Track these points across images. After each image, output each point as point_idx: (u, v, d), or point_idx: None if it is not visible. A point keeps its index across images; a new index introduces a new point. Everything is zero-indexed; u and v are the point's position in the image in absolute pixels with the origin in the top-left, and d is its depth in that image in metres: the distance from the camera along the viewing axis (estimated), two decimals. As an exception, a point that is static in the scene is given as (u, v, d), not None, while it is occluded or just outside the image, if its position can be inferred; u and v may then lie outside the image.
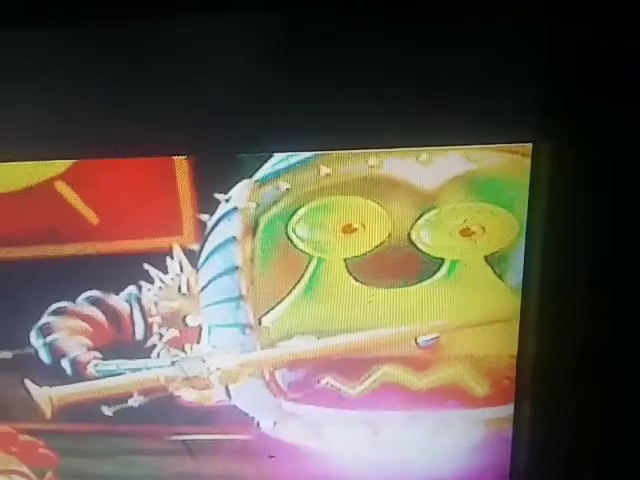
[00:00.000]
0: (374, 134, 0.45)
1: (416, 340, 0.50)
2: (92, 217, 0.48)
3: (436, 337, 0.50)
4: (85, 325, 0.51)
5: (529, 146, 0.45)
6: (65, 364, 0.52)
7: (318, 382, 0.52)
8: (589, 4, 0.41)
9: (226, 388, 0.52)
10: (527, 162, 0.45)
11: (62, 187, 0.48)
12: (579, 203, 0.45)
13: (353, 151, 0.45)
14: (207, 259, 0.49)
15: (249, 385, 0.52)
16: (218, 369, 0.51)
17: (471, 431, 0.53)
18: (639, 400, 0.48)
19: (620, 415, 0.49)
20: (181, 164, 0.46)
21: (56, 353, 0.52)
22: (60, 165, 0.47)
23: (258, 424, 0.54)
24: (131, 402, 0.53)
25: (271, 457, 0.55)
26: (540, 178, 0.46)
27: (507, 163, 0.45)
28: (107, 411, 0.53)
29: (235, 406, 0.53)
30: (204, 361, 0.51)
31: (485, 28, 0.42)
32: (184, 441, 0.54)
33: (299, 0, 0.42)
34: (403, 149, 0.45)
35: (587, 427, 0.50)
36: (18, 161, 0.47)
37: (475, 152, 0.45)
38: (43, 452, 0.55)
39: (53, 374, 0.53)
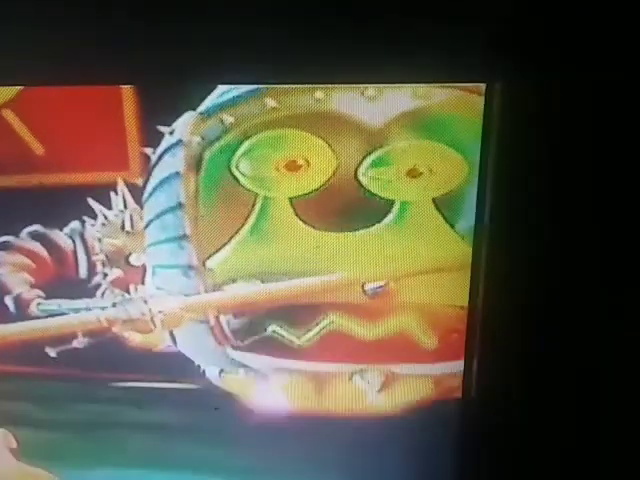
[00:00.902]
0: (322, 69, 0.44)
1: (363, 287, 0.49)
2: (37, 147, 0.48)
3: (384, 285, 0.49)
4: (28, 261, 0.50)
5: (482, 85, 0.44)
6: (8, 301, 0.51)
7: (264, 330, 0.50)
8: None
9: (171, 333, 0.51)
10: (479, 101, 0.44)
11: (9, 114, 0.47)
12: (531, 142, 0.44)
13: (298, 85, 0.45)
14: (151, 195, 0.48)
15: (194, 330, 0.51)
16: (160, 312, 0.50)
17: (420, 387, 0.52)
18: (588, 352, 0.47)
19: (569, 370, 0.48)
20: (127, 94, 0.46)
21: (0, 290, 0.52)
22: (7, 92, 0.46)
23: (204, 373, 0.53)
24: (75, 343, 0.52)
25: (216, 409, 0.53)
26: (492, 119, 0.44)
27: (457, 101, 0.44)
28: (51, 352, 0.53)
29: (181, 353, 0.52)
30: (146, 302, 0.50)
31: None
32: (129, 388, 0.54)
33: None
34: (353, 85, 0.45)
35: (535, 384, 0.49)
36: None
37: (424, 89, 0.44)
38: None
39: (-3, 313, 0.53)
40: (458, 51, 0.43)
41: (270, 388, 0.52)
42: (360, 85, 0.44)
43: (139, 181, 0.48)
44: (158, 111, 0.46)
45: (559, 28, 0.42)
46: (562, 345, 0.47)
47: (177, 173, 0.47)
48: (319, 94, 0.44)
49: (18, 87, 0.45)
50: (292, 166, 0.46)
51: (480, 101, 0.44)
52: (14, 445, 0.57)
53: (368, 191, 0.46)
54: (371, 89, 0.44)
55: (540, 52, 0.43)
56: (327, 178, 0.46)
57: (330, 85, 0.44)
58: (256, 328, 0.51)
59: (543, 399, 0.49)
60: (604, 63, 0.43)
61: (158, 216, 0.48)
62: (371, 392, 0.52)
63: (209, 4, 0.43)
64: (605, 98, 0.44)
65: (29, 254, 0.50)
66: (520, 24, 0.42)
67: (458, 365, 0.50)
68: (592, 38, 0.42)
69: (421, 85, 0.44)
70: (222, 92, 0.45)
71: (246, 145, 0.46)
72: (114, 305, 0.50)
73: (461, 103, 0.44)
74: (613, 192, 0.45)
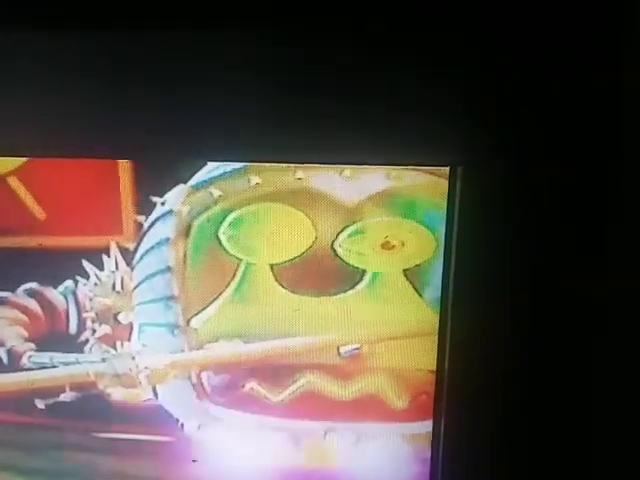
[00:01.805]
0: (300, 150, 0.48)
1: (338, 350, 0.52)
2: (40, 213, 0.51)
3: (358, 348, 0.52)
4: (23, 316, 0.53)
5: (446, 169, 0.48)
6: (2, 353, 0.54)
7: (243, 387, 0.53)
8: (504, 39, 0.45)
9: (153, 388, 0.54)
10: (444, 183, 0.48)
11: (14, 182, 0.51)
12: (491, 225, 0.48)
13: (280, 164, 0.49)
14: (142, 258, 0.51)
15: (176, 386, 0.53)
16: (146, 368, 0.53)
17: (391, 446, 0.54)
18: (552, 418, 0.50)
19: (534, 431, 0.51)
20: (124, 168, 0.50)
21: (-6, 343, 0.55)
22: (13, 162, 0.50)
23: (182, 426, 0.55)
24: (63, 397, 0.54)
25: (194, 461, 0.55)
26: (455, 199, 0.49)
27: (425, 184, 0.48)
28: (40, 404, 0.55)
29: (161, 407, 0.54)
30: (133, 359, 0.53)
31: (406, 57, 0.46)
32: (111, 439, 0.56)
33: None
34: (326, 165, 0.49)
35: (503, 445, 0.51)
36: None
37: (396, 171, 0.48)
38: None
39: (-10, 364, 0.55)
40: (424, 138, 0.47)
41: (247, 443, 0.55)
42: (334, 166, 0.49)
43: (131, 245, 0.51)
44: (152, 183, 0.50)
45: (519, 114, 0.47)
46: (525, 407, 0.50)
47: (167, 239, 0.50)
48: (300, 173, 0.48)
49: (23, 158, 0.50)
50: (274, 236, 0.50)
51: (445, 183, 0.48)
52: (-3, 491, 0.59)
53: (343, 261, 0.50)
54: (347, 170, 0.48)
55: (500, 138, 0.47)
56: (306, 248, 0.50)
57: (306, 165, 0.49)
58: (235, 385, 0.53)
59: (508, 458, 0.52)
60: (563, 148, 0.47)
61: (148, 278, 0.52)
62: (344, 450, 0.54)
63: (209, 97, 0.47)
64: (565, 180, 0.48)
65: (24, 310, 0.53)
66: (482, 112, 0.47)
67: (427, 425, 0.53)
68: (551, 123, 0.47)
69: (390, 167, 0.48)
70: (211, 168, 0.49)
71: (232, 216, 0.49)
72: (103, 360, 0.53)
73: (428, 185, 0.48)
74: (581, 263, 0.49)
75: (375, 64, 0.46)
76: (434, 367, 0.52)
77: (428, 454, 0.53)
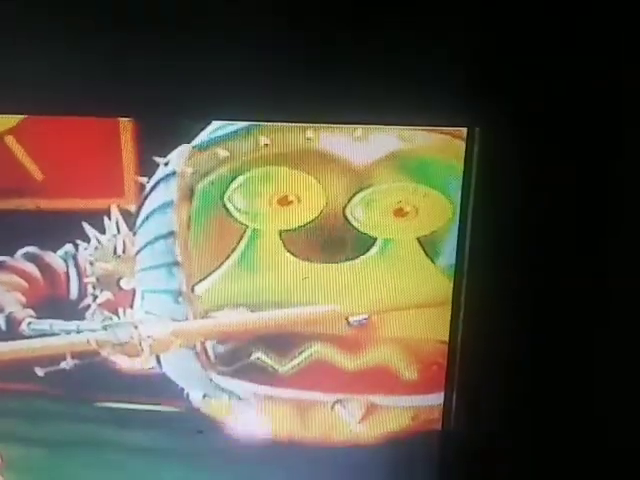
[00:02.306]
0: (310, 108, 0.46)
1: (347, 319, 0.50)
2: (37, 173, 0.49)
3: (367, 317, 0.50)
4: (21, 281, 0.51)
5: (463, 130, 0.46)
6: (0, 320, 0.53)
7: (248, 356, 0.52)
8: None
9: (157, 357, 0.52)
10: (461, 145, 0.46)
11: (11, 141, 0.49)
12: (509, 186, 0.46)
13: (289, 124, 0.46)
14: (144, 222, 0.49)
15: (180, 355, 0.52)
16: (149, 337, 0.52)
17: (400, 418, 0.53)
18: (563, 391, 0.48)
19: (544, 406, 0.49)
20: (125, 127, 0.47)
21: (-8, 309, 0.53)
22: (9, 120, 0.48)
23: (187, 396, 0.53)
24: (63, 364, 0.53)
25: (200, 432, 0.54)
26: (472, 162, 0.46)
27: (441, 145, 0.46)
28: (39, 372, 0.53)
29: (165, 375, 0.53)
30: (136, 327, 0.51)
31: (420, 18, 0.44)
32: (114, 409, 0.54)
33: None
34: (339, 125, 0.46)
35: (514, 420, 0.50)
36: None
37: (409, 132, 0.46)
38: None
39: (-12, 330, 0.54)
40: (441, 96, 0.45)
41: (253, 414, 0.53)
42: (347, 125, 0.46)
43: (133, 208, 0.49)
44: (154, 143, 0.47)
45: (539, 76, 0.44)
46: (540, 379, 0.49)
47: (170, 202, 0.48)
48: (309, 133, 0.46)
49: (20, 116, 0.47)
50: (284, 201, 0.48)
51: (462, 145, 0.46)
52: (-1, 462, 0.58)
53: (354, 227, 0.48)
54: (359, 130, 0.46)
55: (519, 99, 0.45)
56: (316, 214, 0.48)
57: (318, 124, 0.46)
58: (241, 354, 0.52)
59: (521, 433, 0.50)
60: (582, 110, 0.45)
61: (150, 242, 0.50)
62: (352, 421, 0.53)
63: (209, 43, 0.45)
64: (582, 144, 0.46)
65: (23, 274, 0.51)
66: (501, 71, 0.45)
67: (438, 397, 0.52)
68: (569, 89, 0.45)
69: (406, 128, 0.46)
70: (217, 127, 0.46)
71: (239, 180, 0.47)
72: (104, 328, 0.51)
73: (444, 147, 0.46)
74: (590, 232, 0.47)
75: (392, 20, 0.44)
76: (446, 337, 0.50)
77: (438, 427, 0.52)
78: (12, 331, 0.52)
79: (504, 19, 0.43)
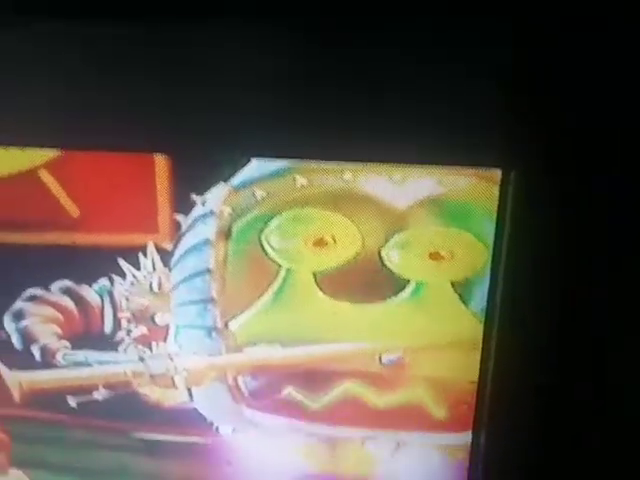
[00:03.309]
0: (349, 147, 0.46)
1: (380, 358, 0.51)
2: (72, 208, 0.49)
3: (400, 356, 0.51)
4: (57, 314, 0.52)
5: (498, 173, 0.46)
6: (35, 350, 0.53)
7: (280, 392, 0.52)
8: (556, 34, 0.42)
9: (189, 390, 0.53)
10: (495, 189, 0.46)
11: (46, 176, 0.49)
12: (544, 231, 0.46)
13: (328, 163, 0.46)
14: (180, 259, 0.50)
15: (211, 388, 0.52)
16: (185, 370, 0.52)
17: (428, 455, 0.53)
18: (594, 435, 0.49)
19: (574, 450, 0.49)
20: (161, 163, 0.47)
21: (27, 339, 0.53)
22: (45, 155, 0.48)
23: (217, 429, 0.54)
24: (96, 395, 0.53)
25: (229, 464, 0.55)
26: (507, 206, 0.46)
27: (476, 190, 0.46)
28: (72, 402, 0.54)
29: (195, 409, 0.53)
30: (172, 360, 0.52)
31: (457, 54, 0.44)
32: (143, 439, 0.55)
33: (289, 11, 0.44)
34: (376, 164, 0.46)
35: (542, 460, 0.50)
36: (4, 146, 0.48)
37: (447, 176, 0.46)
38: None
39: (24, 359, 0.54)
40: (476, 138, 0.45)
41: (283, 448, 0.54)
42: (383, 164, 0.46)
43: (168, 245, 0.49)
44: (192, 180, 0.47)
45: (576, 118, 0.44)
46: (568, 426, 0.49)
47: (207, 240, 0.49)
48: (348, 175, 0.46)
49: (56, 151, 0.47)
50: (320, 242, 0.48)
51: (496, 190, 0.46)
52: (28, 486, 0.59)
53: (389, 270, 0.48)
54: (397, 173, 0.46)
55: (555, 143, 0.45)
56: (352, 256, 0.48)
57: (355, 166, 0.46)
58: (273, 389, 0.52)
59: (548, 474, 0.51)
60: (623, 155, 0.45)
61: (186, 279, 0.50)
62: (382, 458, 0.54)
63: (245, 79, 0.45)
64: (622, 191, 0.46)
65: (58, 307, 0.52)
66: (537, 113, 0.44)
67: (467, 436, 0.52)
68: (606, 133, 0.44)
69: (441, 172, 0.46)
70: (254, 167, 0.47)
71: (276, 220, 0.47)
72: (140, 360, 0.52)
73: (480, 191, 0.46)
74: (628, 281, 0.47)
75: (427, 60, 0.44)
76: (475, 378, 0.51)
77: (466, 465, 0.53)
78: (46, 361, 0.53)
79: (542, 57, 0.43)
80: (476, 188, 0.46)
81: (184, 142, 0.46)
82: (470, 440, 0.52)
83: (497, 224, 0.47)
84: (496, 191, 0.46)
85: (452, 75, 0.44)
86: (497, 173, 0.46)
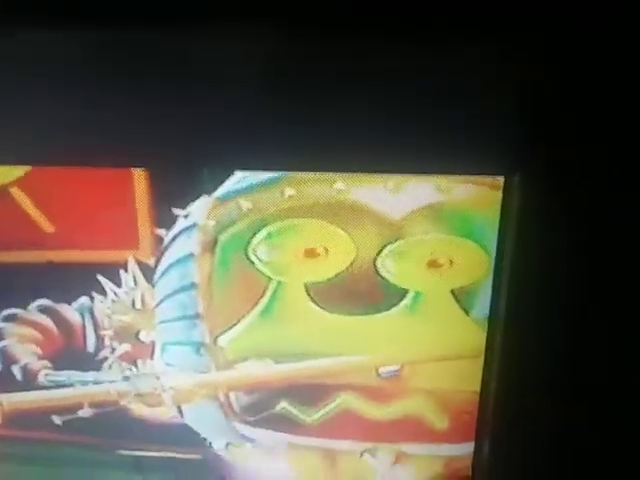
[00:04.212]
0: (341, 158, 0.43)
1: (377, 370, 0.49)
2: (46, 225, 0.46)
3: (398, 369, 0.48)
4: (36, 333, 0.49)
5: (500, 179, 0.43)
6: (16, 371, 0.50)
7: (274, 407, 0.50)
8: (557, 43, 0.39)
9: (178, 407, 0.51)
10: (498, 195, 0.43)
11: (17, 193, 0.45)
12: (548, 237, 0.43)
13: (318, 174, 0.43)
14: (163, 274, 0.47)
15: (202, 405, 0.50)
16: (172, 388, 0.50)
17: (429, 467, 0.52)
18: (599, 443, 0.47)
19: (579, 459, 0.48)
20: (139, 176, 0.44)
21: (7, 359, 0.50)
22: (16, 171, 0.44)
23: (210, 444, 0.52)
24: (81, 413, 0.51)
25: (222, 479, 0.53)
26: (510, 212, 0.44)
27: (477, 195, 0.43)
28: (57, 420, 0.52)
29: (187, 425, 0.51)
30: (158, 379, 0.49)
31: (457, 63, 0.40)
32: (133, 456, 0.53)
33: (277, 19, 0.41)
34: (371, 175, 0.43)
35: (546, 470, 0.49)
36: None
37: (444, 182, 0.43)
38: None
39: (4, 380, 0.51)
40: (477, 144, 0.42)
41: (279, 462, 0.52)
42: (378, 175, 0.43)
43: (150, 260, 0.46)
44: (172, 194, 0.44)
45: (579, 123, 0.42)
46: (574, 436, 0.47)
47: (191, 254, 0.46)
48: (339, 184, 0.43)
49: (26, 167, 0.44)
50: (311, 254, 0.45)
51: (498, 196, 0.43)
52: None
53: (385, 280, 0.46)
54: (392, 181, 0.43)
55: (559, 147, 0.42)
56: (345, 266, 0.45)
57: (346, 174, 0.43)
58: (266, 405, 0.50)
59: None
60: (621, 160, 0.42)
61: (170, 295, 0.47)
62: (381, 470, 0.52)
63: (225, 90, 0.41)
64: (627, 195, 0.43)
65: (37, 327, 0.49)
66: (540, 119, 0.42)
67: (469, 446, 0.50)
68: (612, 134, 0.42)
69: (438, 179, 0.43)
70: (239, 178, 0.44)
71: (264, 232, 0.44)
72: (125, 379, 0.50)
73: (481, 198, 0.43)
74: (633, 289, 0.45)
75: (425, 67, 0.41)
76: (477, 388, 0.49)
77: (468, 475, 0.51)
78: (28, 382, 0.50)
79: (547, 64, 0.40)
80: (477, 194, 0.43)
81: (162, 156, 0.43)
82: (472, 450, 0.50)
83: (499, 230, 0.44)
84: (498, 197, 0.43)
85: (452, 81, 0.41)
86: (500, 179, 0.43)
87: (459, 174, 0.43)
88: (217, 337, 0.48)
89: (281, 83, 0.41)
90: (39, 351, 0.50)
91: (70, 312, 0.48)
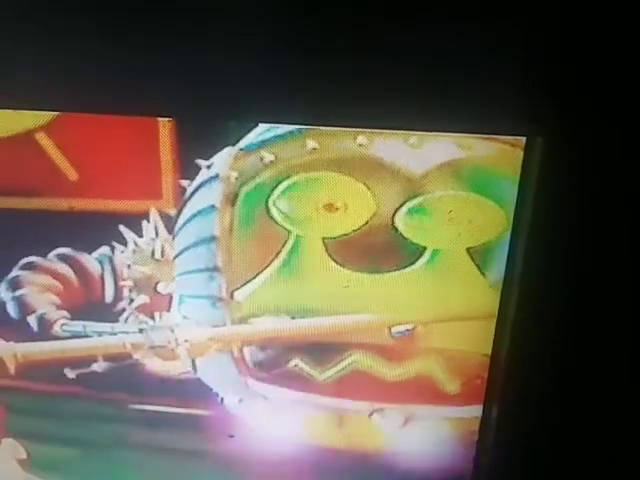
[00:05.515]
0: (364, 114, 0.43)
1: (390, 330, 0.49)
2: (70, 172, 0.47)
3: (410, 328, 0.49)
4: (55, 282, 0.50)
5: (522, 139, 0.44)
6: (32, 321, 0.51)
7: (286, 363, 0.51)
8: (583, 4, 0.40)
9: (192, 361, 0.51)
10: (519, 155, 0.44)
11: (43, 139, 0.46)
12: (567, 200, 0.44)
13: (341, 129, 0.44)
14: (184, 226, 0.47)
15: (216, 360, 0.51)
16: (186, 341, 0.50)
17: (437, 428, 0.52)
18: (609, 408, 0.48)
19: (587, 424, 0.48)
20: (165, 126, 0.45)
21: (24, 308, 0.51)
22: (43, 117, 0.45)
23: (222, 400, 0.52)
24: (95, 367, 0.52)
25: (231, 436, 0.54)
26: (531, 173, 0.44)
27: (498, 154, 0.44)
28: (70, 374, 0.52)
29: (200, 380, 0.52)
30: (172, 331, 0.50)
31: (483, 23, 0.41)
32: (144, 411, 0.54)
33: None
34: (396, 131, 0.44)
35: (553, 436, 0.49)
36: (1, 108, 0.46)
37: (466, 140, 0.44)
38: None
39: (19, 330, 0.52)
40: (501, 105, 0.43)
41: (288, 420, 0.53)
42: (402, 132, 0.44)
43: (172, 211, 0.47)
44: (196, 145, 0.45)
45: (604, 87, 0.42)
46: (585, 402, 0.48)
47: (212, 206, 0.46)
48: (361, 139, 0.44)
49: (53, 112, 0.45)
50: (330, 208, 0.46)
51: (520, 155, 0.44)
52: (23, 456, 0.57)
53: (403, 236, 0.46)
54: (414, 137, 0.44)
55: (582, 109, 0.43)
56: (364, 222, 0.46)
57: (371, 130, 0.44)
58: (279, 361, 0.51)
59: (561, 454, 0.50)
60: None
61: (190, 247, 0.48)
62: (389, 431, 0.52)
63: (256, 45, 0.42)
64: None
65: (56, 275, 0.50)
66: (565, 81, 0.42)
67: (477, 409, 0.51)
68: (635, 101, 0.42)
69: (460, 136, 0.44)
70: (263, 130, 0.44)
71: (285, 184, 0.45)
72: (140, 331, 0.50)
73: (502, 156, 0.44)
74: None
75: (451, 26, 0.41)
76: (489, 351, 0.49)
77: (475, 438, 0.52)
78: (44, 332, 0.51)
79: (573, 25, 0.41)
80: (498, 152, 0.44)
81: (188, 106, 0.44)
82: (480, 414, 0.51)
83: (519, 191, 0.45)
84: (520, 156, 0.44)
85: (476, 42, 0.42)
86: (522, 140, 0.44)
87: (483, 134, 0.44)
88: (234, 291, 0.49)
89: (307, 37, 0.42)
90: (57, 300, 0.50)
91: (90, 261, 0.49)
